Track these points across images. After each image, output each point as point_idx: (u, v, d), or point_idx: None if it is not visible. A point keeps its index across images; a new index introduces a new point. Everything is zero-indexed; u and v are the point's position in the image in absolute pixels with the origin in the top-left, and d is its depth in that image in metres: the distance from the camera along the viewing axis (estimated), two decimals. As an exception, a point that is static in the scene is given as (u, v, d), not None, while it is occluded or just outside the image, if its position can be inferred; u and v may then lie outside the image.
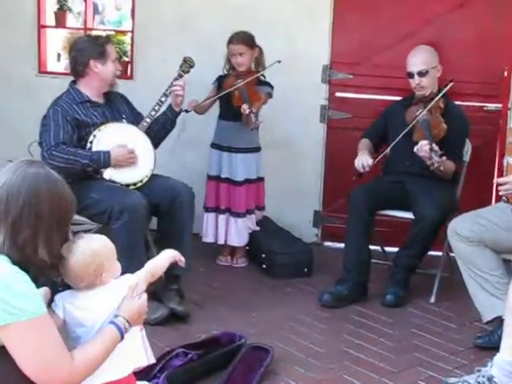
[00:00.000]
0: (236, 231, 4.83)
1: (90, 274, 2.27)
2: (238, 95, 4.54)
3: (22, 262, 2.08)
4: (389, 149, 4.41)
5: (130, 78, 5.48)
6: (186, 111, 4.55)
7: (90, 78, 4.12)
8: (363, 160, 4.41)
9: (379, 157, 4.44)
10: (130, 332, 2.29)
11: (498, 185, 3.54)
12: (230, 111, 4.61)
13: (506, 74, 5.09)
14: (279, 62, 4.58)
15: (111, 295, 2.30)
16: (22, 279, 2.04)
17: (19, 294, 2.01)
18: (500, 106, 5.15)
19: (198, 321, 3.93)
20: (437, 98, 4.38)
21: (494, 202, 5.14)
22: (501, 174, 5.03)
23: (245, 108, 4.45)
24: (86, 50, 4.12)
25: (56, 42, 6.42)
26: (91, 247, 2.28)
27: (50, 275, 2.24)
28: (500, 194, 3.58)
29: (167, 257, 2.54)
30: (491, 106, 5.17)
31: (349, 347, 3.73)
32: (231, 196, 4.79)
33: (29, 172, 2.11)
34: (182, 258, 2.58)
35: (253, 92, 4.57)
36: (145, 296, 2.36)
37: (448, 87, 4.39)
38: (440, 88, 4.47)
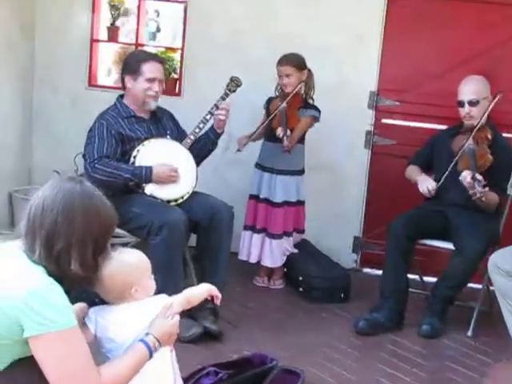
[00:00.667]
0: (270, 252, 4.83)
1: (117, 285, 2.28)
2: (278, 118, 4.56)
3: (57, 273, 2.11)
4: (444, 177, 4.34)
5: (178, 95, 5.53)
6: (238, 151, 4.63)
7: (128, 92, 4.17)
8: (427, 184, 4.38)
9: (442, 180, 4.35)
10: (160, 352, 2.29)
11: None
12: (273, 133, 4.63)
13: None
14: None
15: (144, 312, 2.31)
16: (56, 291, 2.07)
17: (52, 305, 2.04)
18: (549, 139, 5.07)
19: (231, 340, 3.92)
20: (487, 111, 4.35)
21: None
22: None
23: (279, 131, 4.49)
24: (125, 65, 4.19)
25: (108, 56, 6.49)
26: (121, 258, 2.30)
27: (84, 288, 2.26)
28: None
29: (206, 289, 2.56)
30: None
31: (381, 376, 3.68)
32: (268, 217, 4.80)
33: (65, 187, 2.16)
34: (219, 295, 2.60)
35: (292, 115, 4.59)
36: (177, 317, 2.35)
37: (496, 99, 4.34)
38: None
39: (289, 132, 4.49)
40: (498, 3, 5.06)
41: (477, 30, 5.12)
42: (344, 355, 3.91)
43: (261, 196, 4.80)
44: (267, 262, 4.86)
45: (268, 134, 4.73)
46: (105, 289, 2.29)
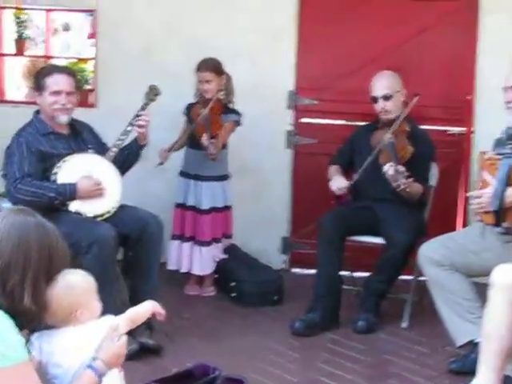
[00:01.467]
0: (200, 260, 4.79)
1: (65, 307, 2.21)
2: (201, 125, 4.53)
3: (10, 308, 2.04)
4: (360, 171, 4.40)
5: (93, 106, 5.42)
6: (160, 164, 4.61)
7: (40, 108, 4.07)
8: (338, 182, 4.43)
9: (354, 178, 4.43)
10: (109, 375, 2.22)
11: (474, 198, 3.55)
12: (196, 140, 4.58)
13: (468, 98, 5.14)
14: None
15: (91, 335, 2.24)
16: (6, 324, 1.99)
17: (2, 339, 1.96)
18: (464, 129, 5.21)
19: (170, 353, 3.86)
20: (403, 115, 4.41)
21: (459, 225, 5.19)
22: (465, 198, 5.12)
23: (204, 139, 4.46)
24: (33, 81, 4.12)
25: (16, 70, 6.32)
26: (66, 280, 2.22)
27: (36, 324, 2.18)
28: (471, 207, 3.61)
29: (150, 307, 2.50)
30: (455, 130, 5.23)
31: (323, 375, 3.68)
32: (196, 224, 4.76)
33: (17, 220, 2.11)
34: (163, 312, 2.55)
35: (215, 121, 4.57)
36: (124, 338, 2.29)
37: (414, 101, 4.42)
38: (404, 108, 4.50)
39: (215, 139, 4.47)
40: (404, -1, 5.16)
41: (387, 26, 5.19)
42: (284, 358, 3.90)
43: (187, 204, 4.75)
44: (197, 270, 4.83)
45: (191, 141, 4.68)
46: (49, 313, 2.21)
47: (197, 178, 4.74)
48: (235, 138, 4.80)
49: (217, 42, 5.13)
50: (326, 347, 4.06)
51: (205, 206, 4.73)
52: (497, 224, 3.54)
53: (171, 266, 4.84)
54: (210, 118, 4.53)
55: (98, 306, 2.33)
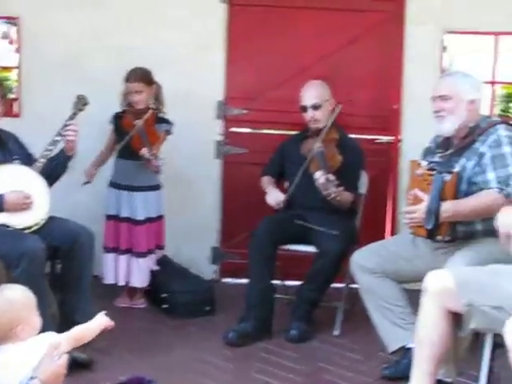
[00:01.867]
0: (138, 272, 4.72)
1: (4, 324, 2.14)
2: (137, 138, 4.47)
3: None
4: (292, 187, 4.42)
5: (17, 115, 5.29)
6: (88, 182, 4.59)
7: None
8: (275, 196, 4.46)
9: (290, 191, 4.45)
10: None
11: (407, 213, 3.59)
12: (128, 150, 4.52)
13: (395, 107, 5.22)
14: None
15: (30, 353, 2.17)
16: None
17: None
18: (392, 138, 5.29)
19: (103, 367, 3.77)
20: (329, 124, 4.46)
21: (388, 233, 5.26)
22: (394, 206, 5.21)
23: (144, 152, 4.41)
24: None
25: None
26: (4, 296, 2.15)
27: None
28: (404, 221, 3.65)
29: (98, 325, 2.43)
30: (383, 138, 5.31)
31: (257, 385, 3.68)
32: (132, 236, 4.69)
33: None
34: (112, 323, 2.49)
35: (151, 132, 4.52)
36: (65, 357, 2.22)
37: (338, 110, 4.47)
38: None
39: (154, 151, 4.44)
40: (335, 9, 5.20)
41: (316, 37, 5.24)
42: (218, 369, 3.87)
43: (121, 215, 4.68)
44: (136, 283, 4.75)
45: (122, 151, 4.60)
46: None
47: (129, 188, 4.67)
48: (165, 147, 4.75)
49: (145, 51, 5.07)
50: (259, 357, 4.05)
51: (140, 216, 4.67)
52: (429, 237, 3.58)
53: (108, 280, 4.75)
54: (146, 129, 4.48)
55: (38, 321, 2.26)
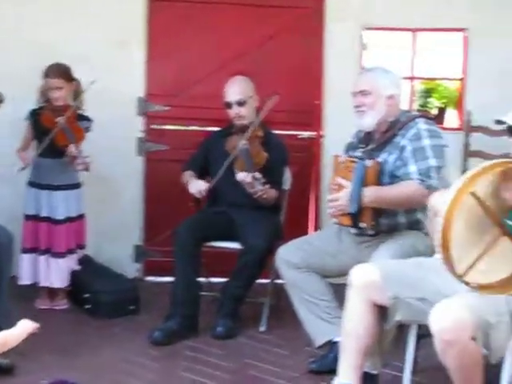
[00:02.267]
0: (57, 272, 4.61)
1: None
2: (61, 135, 4.36)
3: None
4: (216, 178, 4.39)
5: None
6: (23, 169, 4.44)
7: None
8: (198, 185, 4.41)
9: (213, 182, 4.41)
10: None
11: (331, 201, 3.61)
12: (49, 148, 4.41)
13: (317, 103, 5.26)
14: (92, 82, 4.43)
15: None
16: None
17: None
18: (313, 134, 5.32)
19: (24, 372, 3.66)
20: (257, 121, 4.44)
21: (312, 228, 5.30)
22: (316, 201, 5.25)
23: (72, 149, 4.32)
24: None
25: None
26: None
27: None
28: (328, 211, 3.68)
29: (23, 330, 2.35)
30: (305, 134, 5.34)
31: (184, 384, 3.65)
32: (51, 236, 4.58)
33: None
34: (37, 325, 2.41)
35: (76, 129, 4.44)
36: None
37: (269, 104, 4.43)
38: (258, 112, 4.52)
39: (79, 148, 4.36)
40: (253, 5, 5.21)
41: (237, 33, 5.23)
42: (144, 369, 3.81)
43: (41, 215, 4.56)
44: (55, 283, 4.64)
45: (45, 149, 4.47)
46: None
47: (50, 187, 4.56)
48: (85, 144, 4.65)
49: (63, 47, 4.96)
50: (185, 355, 4.01)
51: (60, 215, 4.56)
52: (354, 225, 3.62)
53: (25, 281, 4.63)
54: (70, 126, 4.38)
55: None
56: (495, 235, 2.74)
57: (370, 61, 5.43)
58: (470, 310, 2.67)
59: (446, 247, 2.67)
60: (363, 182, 3.51)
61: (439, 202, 2.91)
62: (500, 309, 2.75)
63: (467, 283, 2.74)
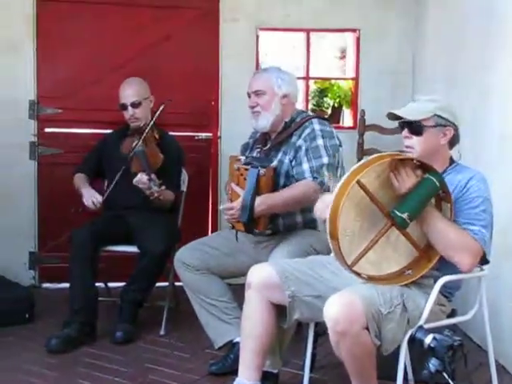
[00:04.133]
0: None
1: None
2: None
3: None
4: (110, 188, 4.33)
5: None
6: None
7: None
8: (93, 197, 4.32)
9: (107, 191, 4.35)
10: None
11: (226, 210, 3.60)
12: None
13: (213, 103, 5.25)
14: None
15: None
16: None
17: None
18: (210, 135, 5.32)
19: None
20: (151, 121, 4.41)
21: (210, 229, 5.29)
22: (214, 202, 5.24)
23: None
24: None
25: None
26: None
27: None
28: (225, 218, 3.67)
29: None
30: (202, 135, 5.33)
31: (84, 392, 3.57)
32: None
33: None
34: None
35: None
36: None
37: (161, 109, 4.41)
38: (153, 115, 4.48)
39: None
40: (148, 6, 5.17)
41: (130, 34, 5.18)
42: (41, 378, 3.70)
43: None
44: None
45: None
46: None
47: None
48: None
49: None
50: (84, 362, 3.92)
51: None
52: (248, 231, 3.63)
53: None
54: None
55: None
56: (385, 226, 2.80)
57: (265, 61, 5.46)
58: (362, 300, 2.71)
59: (334, 237, 2.72)
60: (256, 190, 3.50)
61: (320, 207, 2.99)
62: (393, 300, 2.80)
63: (358, 274, 2.80)
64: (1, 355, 3.98)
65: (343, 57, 5.96)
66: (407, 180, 2.76)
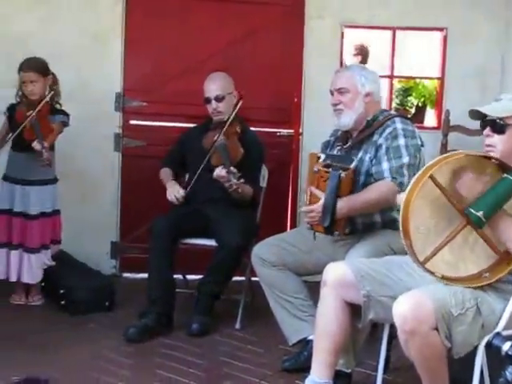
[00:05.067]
0: (29, 268, 4.56)
1: None
2: (30, 129, 4.32)
3: None
4: (192, 183, 4.38)
5: None
6: None
7: None
8: (175, 192, 4.39)
9: (190, 186, 4.40)
10: None
11: (306, 213, 3.60)
12: (22, 143, 4.37)
13: (296, 100, 5.25)
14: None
15: None
16: None
17: None
18: (292, 131, 5.31)
19: (-3, 367, 3.64)
20: (232, 114, 4.44)
21: (289, 226, 5.29)
22: (294, 199, 5.24)
23: (36, 145, 4.27)
24: None
25: None
26: None
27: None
28: (305, 220, 3.66)
29: None
30: (284, 131, 5.33)
31: (159, 381, 3.61)
32: (24, 231, 4.53)
33: None
34: None
35: (45, 124, 4.37)
36: None
37: (240, 103, 4.44)
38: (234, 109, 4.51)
39: (46, 144, 4.30)
40: (233, 1, 5.20)
41: (215, 29, 5.22)
42: (118, 365, 3.78)
43: (15, 210, 4.52)
44: (27, 279, 4.60)
45: (16, 144, 4.45)
46: None
47: (24, 182, 4.51)
48: (62, 140, 4.62)
49: (39, 41, 4.94)
50: (160, 352, 3.99)
51: (33, 211, 4.52)
52: (328, 233, 3.61)
53: None
54: (39, 120, 4.33)
55: None
56: (460, 225, 2.75)
57: (350, 59, 5.42)
58: (433, 300, 2.67)
59: (406, 233, 2.68)
60: (337, 193, 3.48)
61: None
62: (465, 302, 2.75)
63: (431, 272, 2.75)
64: (82, 341, 4.09)
65: (429, 56, 5.87)
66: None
